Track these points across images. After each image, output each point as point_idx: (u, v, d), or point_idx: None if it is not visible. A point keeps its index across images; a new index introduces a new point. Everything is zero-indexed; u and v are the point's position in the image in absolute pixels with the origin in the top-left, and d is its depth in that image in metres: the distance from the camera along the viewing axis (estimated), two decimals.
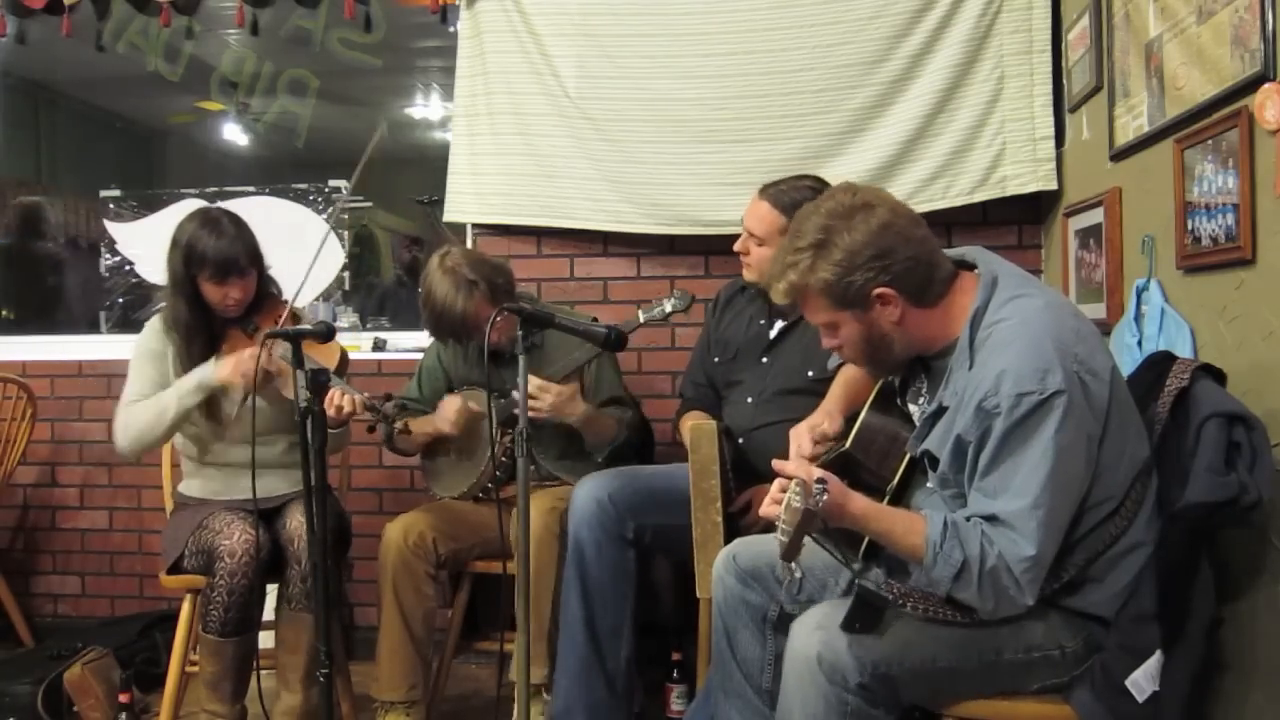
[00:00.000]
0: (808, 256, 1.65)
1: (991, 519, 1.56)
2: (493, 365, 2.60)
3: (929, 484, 1.75)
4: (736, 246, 2.46)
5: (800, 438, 1.95)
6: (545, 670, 2.43)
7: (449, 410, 2.63)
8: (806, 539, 1.58)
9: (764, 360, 2.47)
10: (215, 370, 2.42)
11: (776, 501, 1.57)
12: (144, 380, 2.52)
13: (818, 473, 1.55)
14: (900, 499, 1.78)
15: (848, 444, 1.88)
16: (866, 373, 1.90)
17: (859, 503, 1.60)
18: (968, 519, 1.59)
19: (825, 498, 1.49)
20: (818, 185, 2.42)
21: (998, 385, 1.54)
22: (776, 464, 1.64)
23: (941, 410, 1.67)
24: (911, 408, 1.83)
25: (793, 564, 1.57)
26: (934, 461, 1.70)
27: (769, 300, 2.50)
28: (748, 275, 2.47)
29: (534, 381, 2.33)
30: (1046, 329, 1.57)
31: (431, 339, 2.85)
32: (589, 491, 2.36)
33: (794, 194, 2.38)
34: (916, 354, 1.75)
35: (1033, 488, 1.53)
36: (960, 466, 1.63)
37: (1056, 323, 1.59)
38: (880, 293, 1.64)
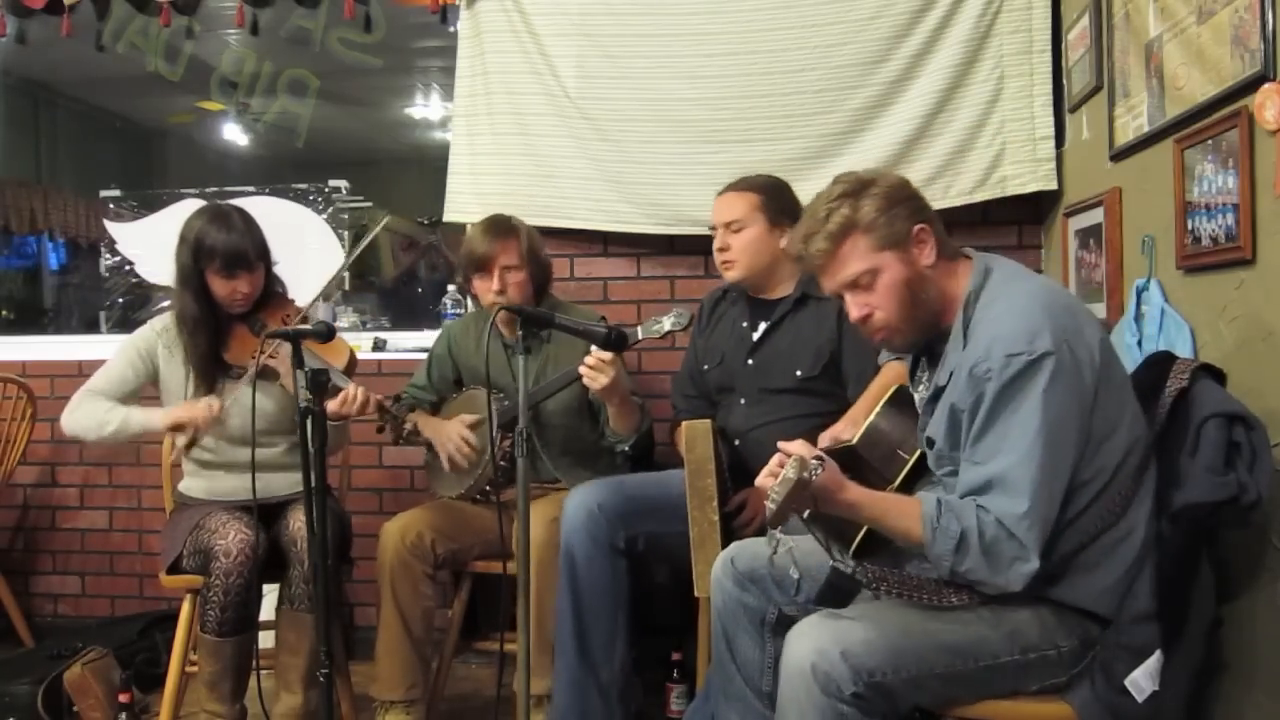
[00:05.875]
0: (848, 200, 1.68)
1: (985, 487, 1.57)
2: (504, 362, 2.60)
3: (931, 478, 1.75)
4: (716, 245, 2.46)
5: (818, 439, 1.97)
6: (548, 682, 2.38)
7: (454, 449, 2.60)
8: (805, 533, 1.59)
9: (749, 362, 2.47)
10: (164, 416, 2.43)
11: (773, 475, 1.57)
12: (114, 374, 2.55)
13: (818, 453, 1.56)
14: None
15: (855, 440, 1.89)
16: (900, 340, 1.77)
17: (853, 490, 1.60)
18: (961, 497, 1.59)
19: (820, 472, 1.51)
20: (772, 176, 2.50)
21: (989, 351, 1.57)
22: (781, 444, 1.63)
23: (939, 392, 1.69)
24: (915, 396, 1.83)
25: (778, 533, 1.62)
26: (931, 443, 1.70)
27: (750, 302, 2.51)
28: (732, 274, 2.47)
29: (598, 354, 2.29)
30: (1036, 299, 1.61)
31: (441, 331, 2.85)
32: (579, 500, 2.35)
33: (753, 179, 2.46)
34: (936, 320, 1.72)
35: (1023, 443, 1.54)
36: (956, 440, 1.64)
37: (1047, 294, 1.64)
38: (920, 228, 1.67)
